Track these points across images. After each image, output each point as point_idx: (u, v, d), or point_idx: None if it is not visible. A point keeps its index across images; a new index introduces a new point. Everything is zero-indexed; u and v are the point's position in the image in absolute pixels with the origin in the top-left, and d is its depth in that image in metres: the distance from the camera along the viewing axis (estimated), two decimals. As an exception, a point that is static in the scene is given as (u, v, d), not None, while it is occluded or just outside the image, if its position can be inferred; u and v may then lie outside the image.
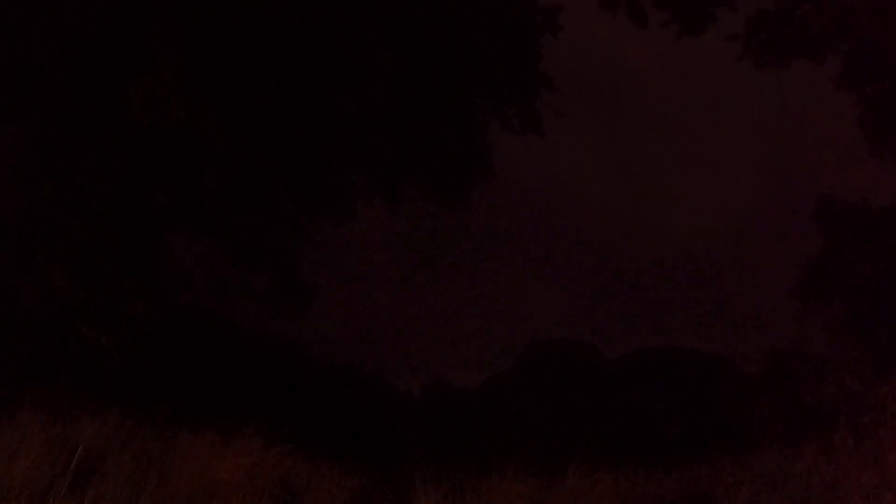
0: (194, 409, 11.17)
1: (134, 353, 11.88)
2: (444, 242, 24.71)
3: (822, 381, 13.45)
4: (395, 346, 21.63)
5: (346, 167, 14.76)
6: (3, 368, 11.15)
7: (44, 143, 12.12)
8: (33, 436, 8.55)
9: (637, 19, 15.96)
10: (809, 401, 13.26)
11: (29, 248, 11.78)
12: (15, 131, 12.34)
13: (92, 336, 11.60)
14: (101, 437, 9.31)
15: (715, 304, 24.05)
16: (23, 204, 11.92)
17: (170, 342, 13.54)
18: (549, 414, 15.19)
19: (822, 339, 15.35)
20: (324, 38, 13.41)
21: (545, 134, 16.43)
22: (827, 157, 25.51)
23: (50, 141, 12.09)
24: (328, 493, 9.43)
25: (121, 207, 12.20)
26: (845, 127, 17.71)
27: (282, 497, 9.16)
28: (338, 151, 14.19)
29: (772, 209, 25.53)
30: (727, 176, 26.05)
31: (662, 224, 25.58)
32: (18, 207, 11.97)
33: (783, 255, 22.89)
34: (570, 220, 25.94)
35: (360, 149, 14.34)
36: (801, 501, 9.36)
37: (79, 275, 11.52)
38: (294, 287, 14.78)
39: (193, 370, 13.87)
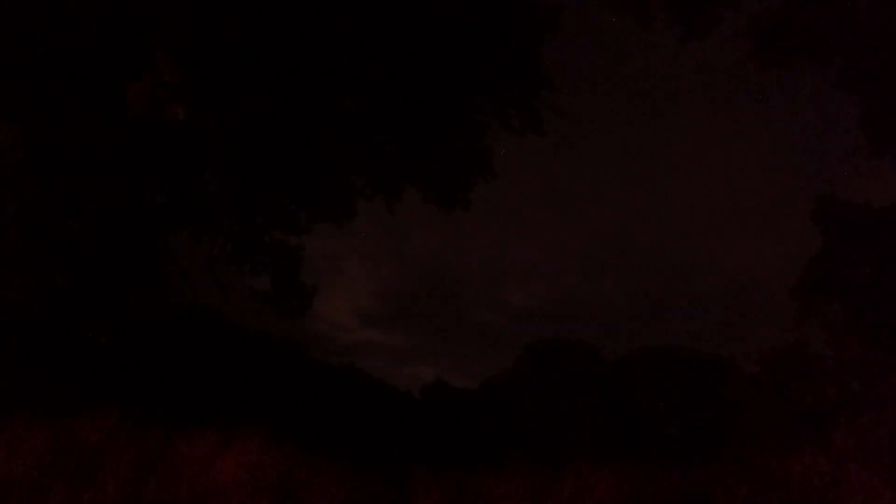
0: (194, 409, 11.16)
1: (134, 352, 11.88)
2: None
3: (822, 381, 13.44)
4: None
5: (346, 167, 14.76)
6: (3, 369, 11.14)
7: (43, 143, 12.11)
8: (33, 436, 8.54)
9: (641, 21, 15.87)
10: (809, 401, 13.25)
11: (29, 248, 11.76)
12: (15, 131, 12.32)
13: (92, 336, 11.59)
14: (101, 437, 9.30)
15: (715, 304, 24.03)
16: (23, 204, 11.91)
17: (170, 342, 13.53)
18: (549, 414, 15.18)
19: (822, 339, 15.31)
20: (324, 38, 13.39)
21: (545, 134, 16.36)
22: (827, 158, 25.50)
23: (50, 141, 12.08)
24: (328, 493, 9.42)
25: (121, 207, 12.19)
26: (845, 127, 17.68)
27: (282, 497, 9.14)
28: (338, 152, 14.18)
29: (772, 209, 25.50)
30: (728, 176, 26.03)
31: (662, 224, 25.57)
32: (18, 207, 11.97)
33: (783, 255, 22.86)
34: (569, 220, 25.90)
35: (360, 149, 14.33)
36: (801, 501, 9.36)
37: (79, 275, 11.51)
38: (294, 287, 14.78)
39: (193, 370, 13.86)
